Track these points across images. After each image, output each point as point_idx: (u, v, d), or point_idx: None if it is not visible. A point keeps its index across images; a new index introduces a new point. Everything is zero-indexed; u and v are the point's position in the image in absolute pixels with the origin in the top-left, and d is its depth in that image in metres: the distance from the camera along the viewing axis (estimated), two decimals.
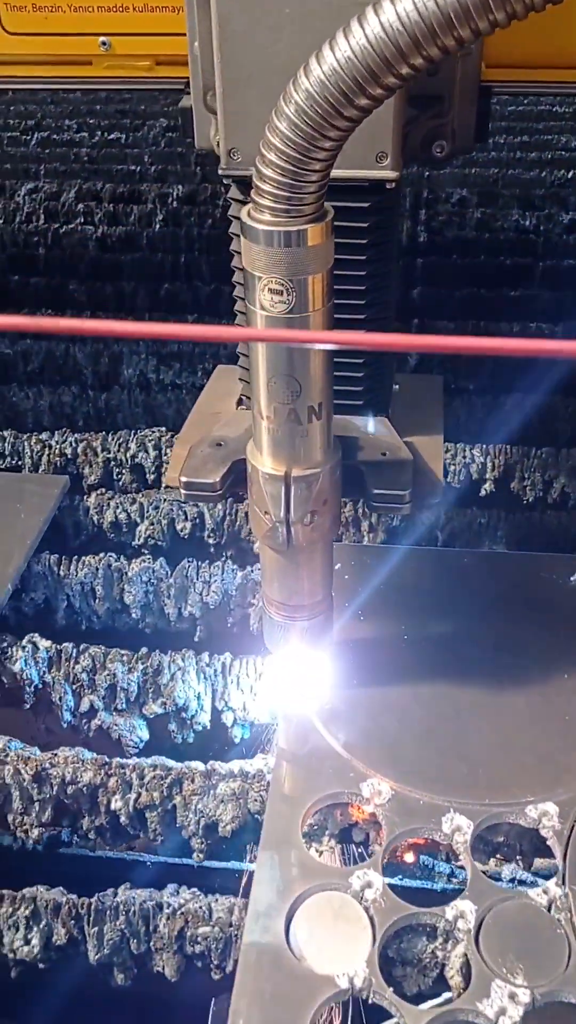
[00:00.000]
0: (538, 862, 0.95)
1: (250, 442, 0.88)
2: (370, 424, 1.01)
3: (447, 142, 0.97)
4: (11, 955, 0.90)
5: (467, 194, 2.33)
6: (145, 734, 1.15)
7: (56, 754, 1.01)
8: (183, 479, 0.97)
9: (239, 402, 1.07)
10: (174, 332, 0.55)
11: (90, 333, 0.59)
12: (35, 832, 1.00)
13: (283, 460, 0.84)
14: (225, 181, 0.90)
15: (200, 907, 0.87)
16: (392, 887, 0.85)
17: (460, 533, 1.31)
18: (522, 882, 0.92)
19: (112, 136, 2.74)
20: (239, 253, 0.96)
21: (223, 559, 1.31)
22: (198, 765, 1.00)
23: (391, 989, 0.79)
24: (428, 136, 0.97)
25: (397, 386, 1.10)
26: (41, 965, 0.90)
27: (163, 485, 1.47)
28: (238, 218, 0.94)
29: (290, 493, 0.85)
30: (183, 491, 0.97)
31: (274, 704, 1.07)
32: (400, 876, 0.95)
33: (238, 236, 0.95)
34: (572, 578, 1.15)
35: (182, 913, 0.86)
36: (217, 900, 0.88)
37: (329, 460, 0.86)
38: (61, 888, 0.91)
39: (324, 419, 0.83)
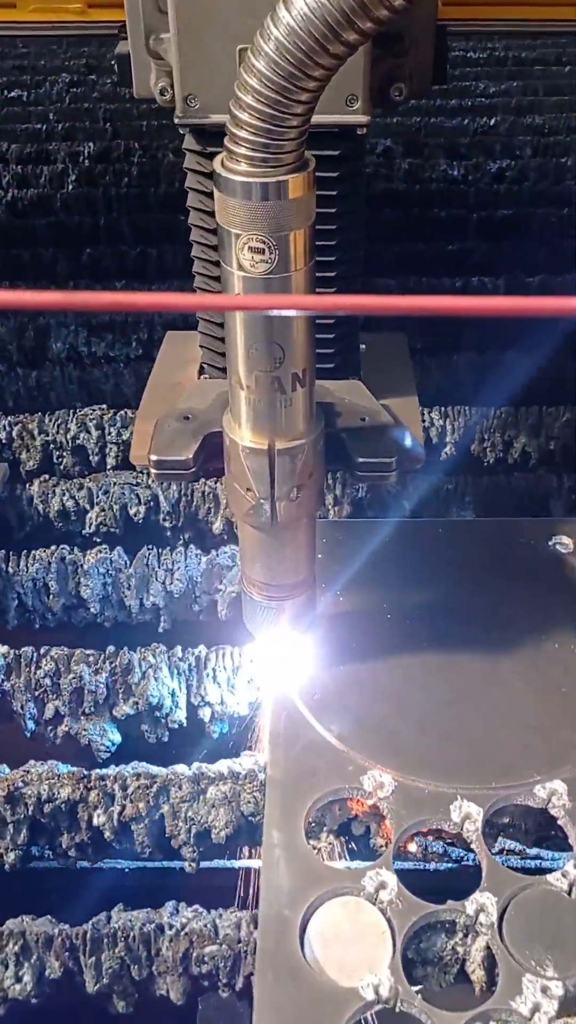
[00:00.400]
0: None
1: (226, 415, 0.82)
2: (345, 389, 0.96)
3: (405, 85, 0.91)
4: None
5: (392, 144, 2.26)
6: (117, 737, 1.08)
7: (28, 771, 0.93)
8: (153, 457, 0.91)
9: (201, 371, 1.00)
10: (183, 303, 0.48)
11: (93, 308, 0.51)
12: (11, 856, 0.93)
13: (265, 432, 0.78)
14: (181, 131, 0.83)
15: (205, 925, 0.81)
16: (405, 882, 0.81)
17: (428, 501, 1.27)
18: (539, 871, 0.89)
19: (12, 94, 2.58)
20: (198, 210, 0.89)
21: (182, 543, 1.25)
22: (184, 770, 0.94)
23: (420, 996, 0.75)
24: (386, 79, 0.90)
25: (364, 346, 1.05)
26: (34, 1001, 0.83)
27: (108, 467, 1.38)
28: (195, 171, 0.88)
29: (274, 468, 0.79)
30: (153, 470, 0.91)
31: (265, 688, 1.01)
32: (410, 866, 0.91)
33: (197, 191, 0.88)
34: (550, 542, 1.12)
35: (186, 934, 0.81)
36: (222, 916, 0.83)
37: (313, 430, 0.81)
38: (49, 917, 0.84)
39: (308, 386, 0.78)
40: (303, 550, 0.89)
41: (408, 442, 0.95)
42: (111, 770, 0.94)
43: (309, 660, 0.98)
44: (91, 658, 1.05)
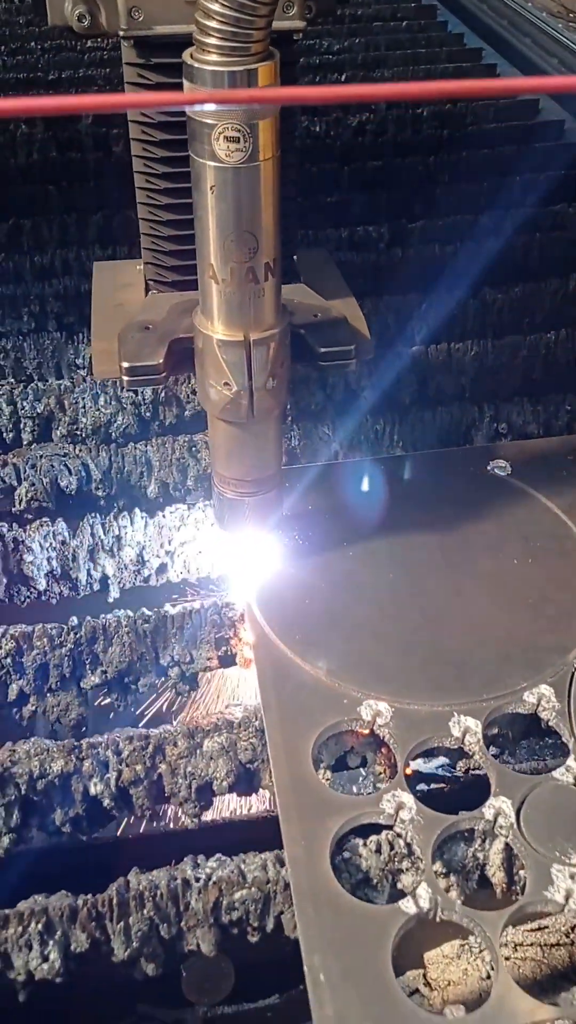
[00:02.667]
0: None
1: (196, 315, 0.86)
2: (292, 291, 1.02)
3: (313, 2, 0.94)
4: (19, 977, 0.80)
5: None
6: (84, 710, 1.05)
7: (14, 749, 0.90)
8: (125, 365, 0.94)
9: (147, 289, 1.04)
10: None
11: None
12: (5, 840, 0.89)
13: (239, 326, 0.83)
14: (125, 44, 0.86)
15: (231, 872, 0.81)
16: (421, 799, 0.83)
17: (358, 444, 1.28)
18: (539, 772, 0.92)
19: None
20: (138, 123, 0.93)
21: (118, 511, 1.21)
22: (176, 728, 0.92)
23: (459, 902, 0.77)
24: None
25: (296, 257, 1.10)
26: (58, 980, 0.80)
27: (25, 443, 1.33)
28: (137, 83, 0.89)
29: (251, 358, 0.84)
30: (126, 378, 0.95)
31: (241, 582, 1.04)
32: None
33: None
34: (488, 467, 1.16)
35: (214, 883, 0.80)
36: (245, 860, 0.82)
37: (282, 321, 0.86)
38: (63, 891, 0.81)
39: (278, 275, 0.83)
40: (272, 444, 0.94)
41: (362, 331, 1.03)
42: (102, 737, 0.91)
43: (283, 603, 0.98)
44: (54, 631, 1.01)
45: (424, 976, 1.02)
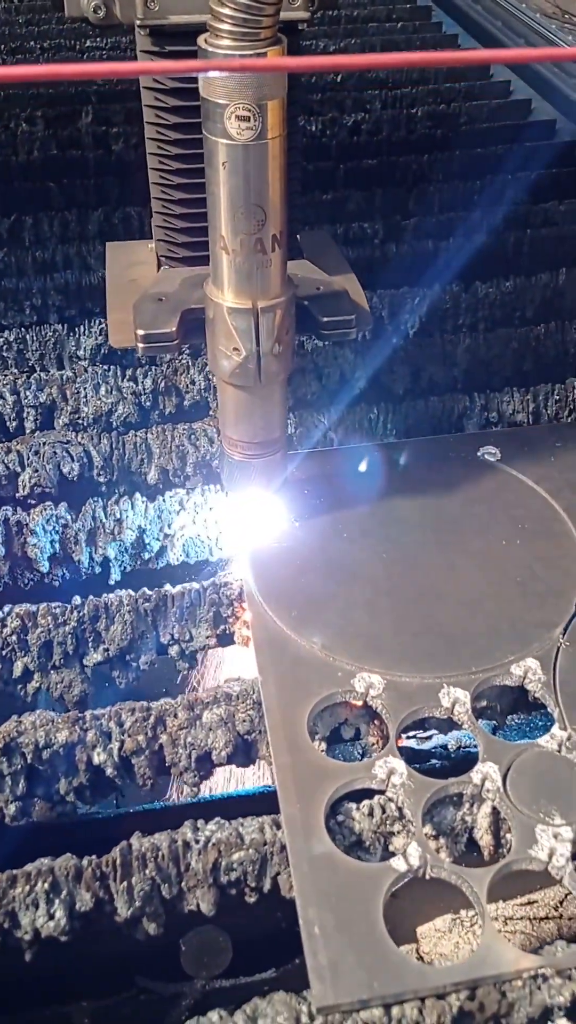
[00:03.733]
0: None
1: (207, 285, 0.92)
2: (295, 267, 1.06)
3: None
4: (26, 936, 0.83)
5: None
6: (87, 687, 1.08)
7: (21, 720, 0.93)
8: (140, 332, 0.99)
9: (159, 265, 1.10)
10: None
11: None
12: (12, 808, 0.93)
13: (248, 294, 0.89)
14: (140, 32, 0.92)
15: (229, 835, 0.84)
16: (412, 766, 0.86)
17: (353, 432, 1.32)
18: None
19: None
20: (152, 107, 0.99)
21: (119, 496, 1.25)
22: (176, 700, 0.96)
23: (448, 860, 0.81)
24: None
25: (299, 236, 1.15)
26: (63, 939, 0.84)
27: (27, 431, 1.36)
28: (153, 90, 0.96)
29: (259, 325, 0.89)
30: (140, 345, 0.99)
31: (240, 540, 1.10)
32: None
33: (153, 90, 0.97)
34: (479, 453, 1.19)
35: (213, 844, 0.83)
36: (243, 824, 0.85)
37: (288, 290, 0.92)
38: (69, 854, 0.85)
39: (284, 247, 0.89)
40: (279, 407, 0.99)
41: (362, 305, 1.08)
42: (104, 709, 0.94)
43: (280, 581, 1.02)
44: (57, 610, 1.05)
45: (417, 950, 1.06)
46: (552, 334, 1.47)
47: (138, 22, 0.89)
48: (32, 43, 2.58)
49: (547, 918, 1.05)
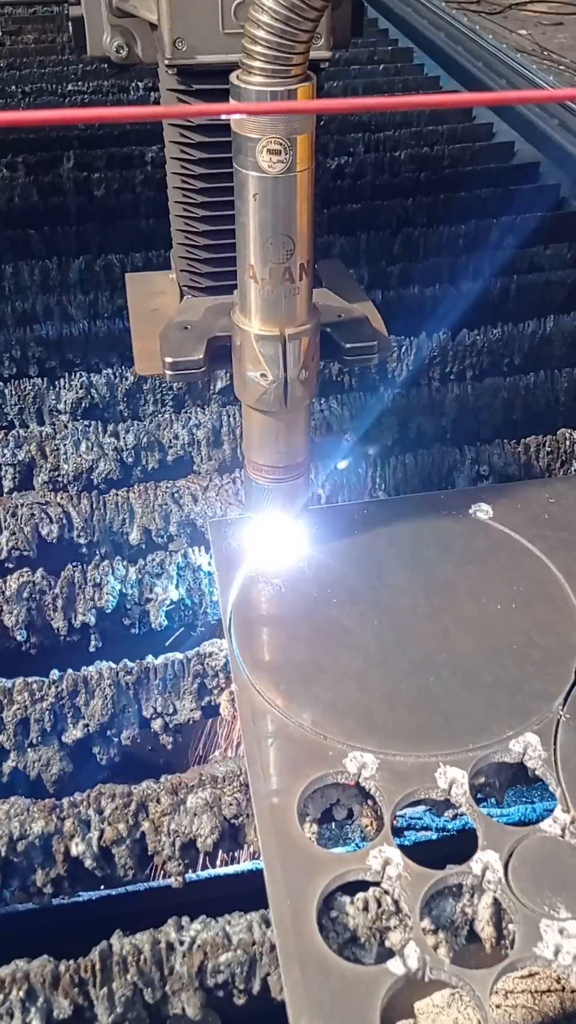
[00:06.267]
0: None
1: (234, 313, 0.94)
2: (316, 295, 1.05)
3: (331, 36, 0.99)
4: None
5: None
6: (68, 766, 1.03)
7: None
8: (168, 360, 1.00)
9: (181, 295, 1.11)
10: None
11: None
12: None
13: (275, 322, 0.91)
14: (168, 72, 0.93)
15: (216, 934, 0.79)
16: (406, 853, 0.82)
17: (340, 487, 1.28)
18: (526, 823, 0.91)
19: None
20: (176, 143, 1.01)
21: (100, 559, 1.21)
22: (159, 783, 0.91)
23: (448, 961, 0.76)
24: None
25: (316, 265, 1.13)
26: None
27: (6, 491, 1.32)
28: (178, 127, 0.99)
29: (287, 351, 0.91)
30: (168, 372, 1.00)
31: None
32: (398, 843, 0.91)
33: (178, 127, 0.98)
34: (470, 510, 1.16)
35: (199, 946, 0.78)
36: (231, 922, 0.80)
37: (313, 317, 0.93)
38: (46, 956, 0.80)
39: (310, 276, 0.90)
40: (302, 433, 1.01)
41: (382, 331, 1.09)
42: (82, 794, 0.89)
43: (266, 652, 0.98)
44: (34, 685, 1.00)
45: None
46: (542, 383, 1.45)
47: (167, 61, 0.91)
48: (14, 87, 2.57)
49: (549, 991, 1.00)
